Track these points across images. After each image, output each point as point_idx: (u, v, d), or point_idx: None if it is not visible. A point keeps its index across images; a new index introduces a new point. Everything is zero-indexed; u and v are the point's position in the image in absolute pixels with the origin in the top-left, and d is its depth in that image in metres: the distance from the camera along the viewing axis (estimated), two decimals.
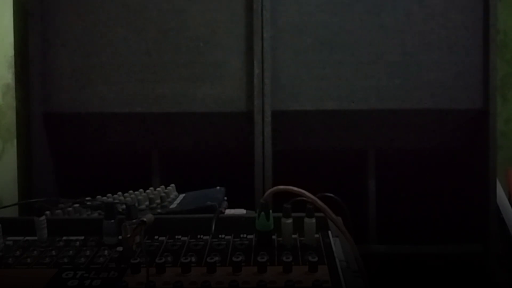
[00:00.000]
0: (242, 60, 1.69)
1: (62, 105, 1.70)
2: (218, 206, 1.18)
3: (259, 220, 0.94)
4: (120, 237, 0.94)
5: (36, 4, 1.69)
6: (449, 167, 1.85)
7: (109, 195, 1.31)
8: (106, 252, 0.92)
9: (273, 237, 0.95)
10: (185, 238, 0.98)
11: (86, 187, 1.40)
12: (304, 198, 0.92)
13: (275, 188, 0.93)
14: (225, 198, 1.32)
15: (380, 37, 1.69)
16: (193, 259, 0.87)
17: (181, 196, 1.35)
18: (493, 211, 1.71)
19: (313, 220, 0.94)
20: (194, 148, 1.78)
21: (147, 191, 1.31)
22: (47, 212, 1.13)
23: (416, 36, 1.69)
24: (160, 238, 0.98)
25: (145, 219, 0.88)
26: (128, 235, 0.90)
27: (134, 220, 0.91)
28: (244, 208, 1.28)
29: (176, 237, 0.99)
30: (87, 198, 1.24)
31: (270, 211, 0.94)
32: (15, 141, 1.69)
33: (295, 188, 0.92)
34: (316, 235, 0.95)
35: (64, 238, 0.99)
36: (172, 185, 1.39)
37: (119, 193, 1.31)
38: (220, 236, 0.99)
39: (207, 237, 0.98)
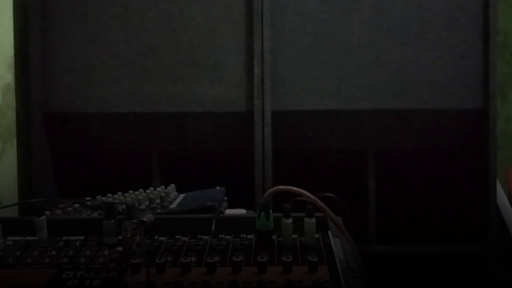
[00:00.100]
0: (242, 60, 1.69)
1: (62, 105, 1.71)
2: (218, 206, 1.18)
3: (259, 220, 0.94)
4: (120, 237, 0.94)
5: (36, 4, 1.69)
6: (449, 167, 1.85)
7: (109, 195, 1.31)
8: (106, 252, 0.92)
9: (273, 237, 0.95)
10: (185, 238, 0.98)
11: (86, 187, 1.40)
12: (304, 198, 0.92)
13: (275, 188, 0.93)
14: (225, 198, 1.32)
15: (380, 37, 1.69)
16: (193, 259, 0.87)
17: (181, 196, 1.35)
18: (493, 211, 1.71)
19: (313, 220, 0.94)
20: (194, 148, 1.78)
21: (147, 191, 1.31)
22: (47, 212, 1.13)
23: (416, 36, 1.69)
24: (160, 238, 0.98)
25: (145, 219, 0.88)
26: (128, 235, 0.90)
27: (134, 220, 0.91)
28: (244, 208, 1.28)
29: (176, 237, 0.99)
30: (87, 198, 1.24)
31: (270, 211, 0.94)
32: (15, 141, 1.69)
33: (295, 188, 0.92)
34: (316, 235, 0.95)
35: (64, 238, 0.99)
36: (172, 185, 1.39)
37: (119, 193, 1.31)
38: (220, 236, 0.99)
39: (207, 237, 0.98)
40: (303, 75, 1.70)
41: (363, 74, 1.69)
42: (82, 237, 0.99)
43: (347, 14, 1.69)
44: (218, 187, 1.38)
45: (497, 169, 1.71)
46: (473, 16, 1.69)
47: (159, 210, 1.23)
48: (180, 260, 0.86)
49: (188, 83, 1.70)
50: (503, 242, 1.78)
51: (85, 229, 1.01)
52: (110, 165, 1.79)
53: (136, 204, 1.17)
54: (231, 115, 1.71)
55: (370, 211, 1.77)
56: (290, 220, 0.94)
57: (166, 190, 1.33)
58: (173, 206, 1.25)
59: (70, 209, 1.19)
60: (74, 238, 0.99)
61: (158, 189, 1.33)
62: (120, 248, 0.93)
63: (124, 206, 1.08)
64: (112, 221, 0.96)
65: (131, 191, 1.32)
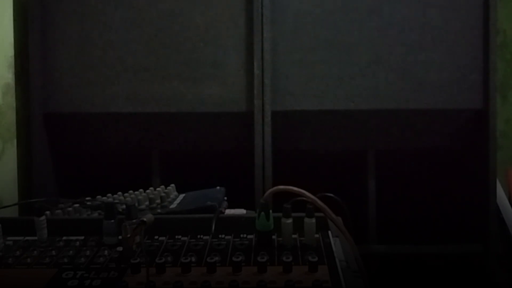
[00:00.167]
0: (242, 60, 1.69)
1: (62, 105, 1.70)
2: (218, 206, 1.18)
3: (259, 220, 0.94)
4: (120, 237, 0.94)
5: (36, 4, 1.69)
6: (449, 167, 1.85)
7: (109, 195, 1.31)
8: (106, 252, 0.92)
9: (273, 237, 0.95)
10: (185, 238, 0.98)
11: (86, 187, 1.40)
12: (304, 198, 0.92)
13: (275, 188, 0.93)
14: (225, 198, 1.32)
15: (380, 37, 1.69)
16: (193, 259, 0.87)
17: (181, 196, 1.35)
18: (493, 211, 1.71)
19: (313, 220, 0.94)
20: (194, 148, 1.78)
21: (147, 191, 1.31)
22: (47, 212, 1.13)
23: (416, 36, 1.69)
24: (160, 238, 0.98)
25: (145, 219, 0.88)
26: (128, 235, 0.90)
27: (134, 220, 0.91)
28: (244, 208, 1.28)
29: (176, 237, 0.99)
30: (87, 198, 1.24)
31: (270, 211, 0.94)
32: (15, 141, 1.69)
33: (295, 188, 0.92)
34: (316, 235, 0.95)
35: (64, 238, 0.99)
36: (172, 185, 1.39)
37: (119, 193, 1.31)
38: (220, 236, 0.99)
39: (207, 237, 0.98)
40: (303, 75, 1.70)
41: (363, 74, 1.69)
42: (82, 237, 0.99)
43: (347, 14, 1.69)
44: (218, 187, 1.38)
45: (497, 169, 1.71)
46: (473, 16, 1.69)
47: (159, 210, 1.23)
48: (180, 260, 0.86)
49: (188, 83, 1.70)
50: (503, 242, 1.78)
51: (85, 229, 1.01)
52: (110, 165, 1.79)
53: (136, 204, 1.17)
54: (231, 115, 1.71)
55: (370, 211, 1.77)
56: (290, 220, 0.94)
57: (166, 190, 1.33)
58: (173, 206, 1.25)
59: (70, 209, 1.19)
60: (74, 238, 0.99)
61: (158, 189, 1.33)
62: (120, 248, 0.93)
63: (124, 206, 1.08)
64: (112, 221, 0.96)
65: (131, 191, 1.32)
